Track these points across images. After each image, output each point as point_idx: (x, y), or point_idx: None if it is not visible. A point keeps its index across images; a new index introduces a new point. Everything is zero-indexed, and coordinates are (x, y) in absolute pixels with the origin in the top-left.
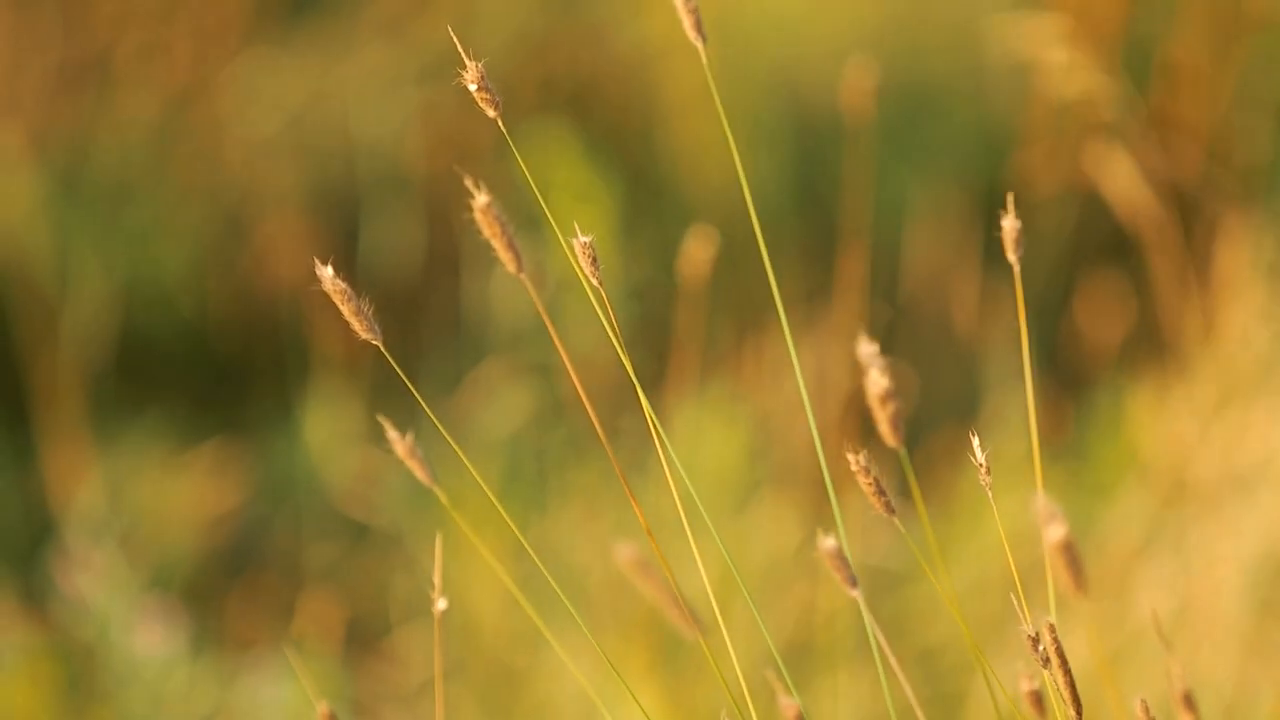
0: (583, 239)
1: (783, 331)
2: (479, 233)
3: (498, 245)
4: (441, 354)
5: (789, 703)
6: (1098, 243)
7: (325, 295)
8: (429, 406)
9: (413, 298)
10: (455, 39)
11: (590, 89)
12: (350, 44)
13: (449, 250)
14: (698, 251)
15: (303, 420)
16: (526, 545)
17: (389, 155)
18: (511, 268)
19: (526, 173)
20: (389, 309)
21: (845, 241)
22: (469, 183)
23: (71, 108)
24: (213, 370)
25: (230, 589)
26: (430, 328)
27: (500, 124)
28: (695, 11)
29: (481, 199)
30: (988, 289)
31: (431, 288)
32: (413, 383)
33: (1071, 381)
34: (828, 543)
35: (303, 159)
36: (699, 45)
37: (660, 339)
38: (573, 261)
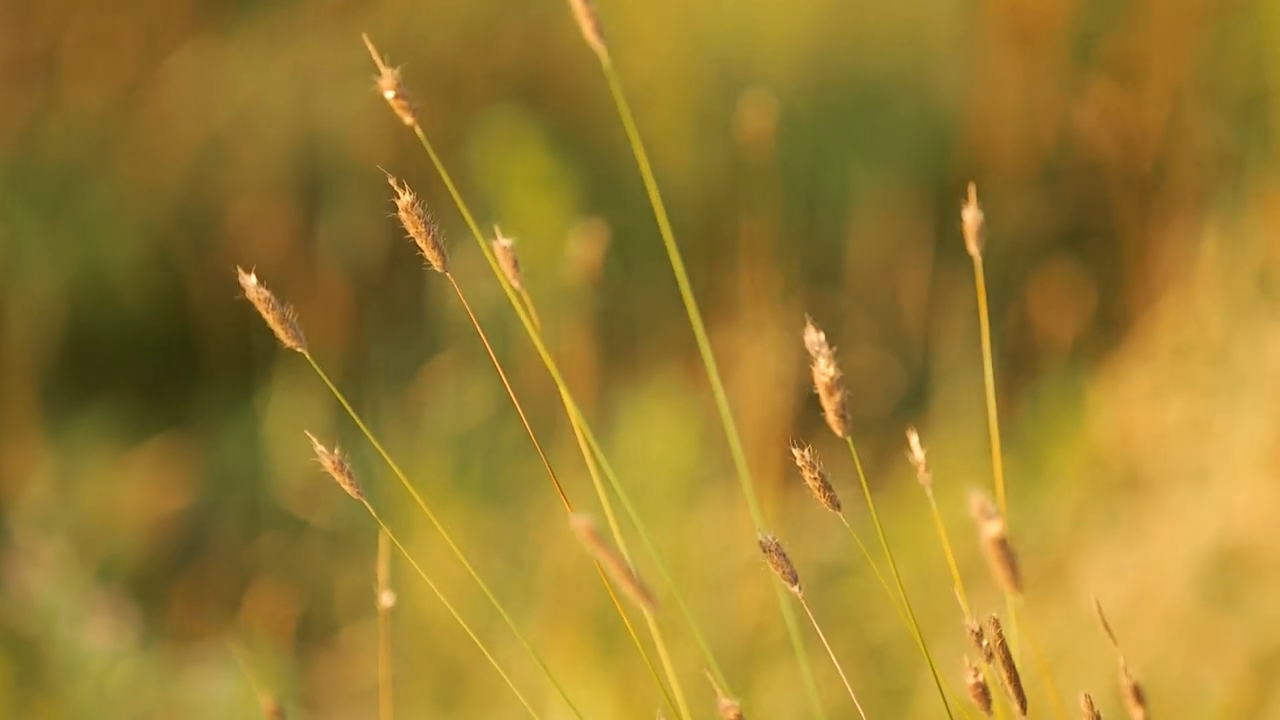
0: (504, 242)
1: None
2: (413, 228)
3: (423, 244)
4: (401, 346)
5: (728, 704)
6: (1049, 231)
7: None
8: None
9: (373, 290)
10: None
11: (540, 80)
12: (296, 35)
13: (409, 242)
14: (585, 249)
15: (256, 412)
16: (455, 547)
17: (342, 146)
18: (438, 266)
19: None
20: (349, 299)
21: (757, 263)
22: (393, 182)
23: (18, 100)
24: (162, 363)
25: (178, 583)
26: (391, 320)
27: (418, 131)
28: (595, 15)
29: (405, 199)
30: (939, 278)
31: (392, 280)
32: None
33: (1023, 370)
34: (767, 539)
35: (252, 151)
36: (600, 49)
37: (620, 330)
38: (493, 265)
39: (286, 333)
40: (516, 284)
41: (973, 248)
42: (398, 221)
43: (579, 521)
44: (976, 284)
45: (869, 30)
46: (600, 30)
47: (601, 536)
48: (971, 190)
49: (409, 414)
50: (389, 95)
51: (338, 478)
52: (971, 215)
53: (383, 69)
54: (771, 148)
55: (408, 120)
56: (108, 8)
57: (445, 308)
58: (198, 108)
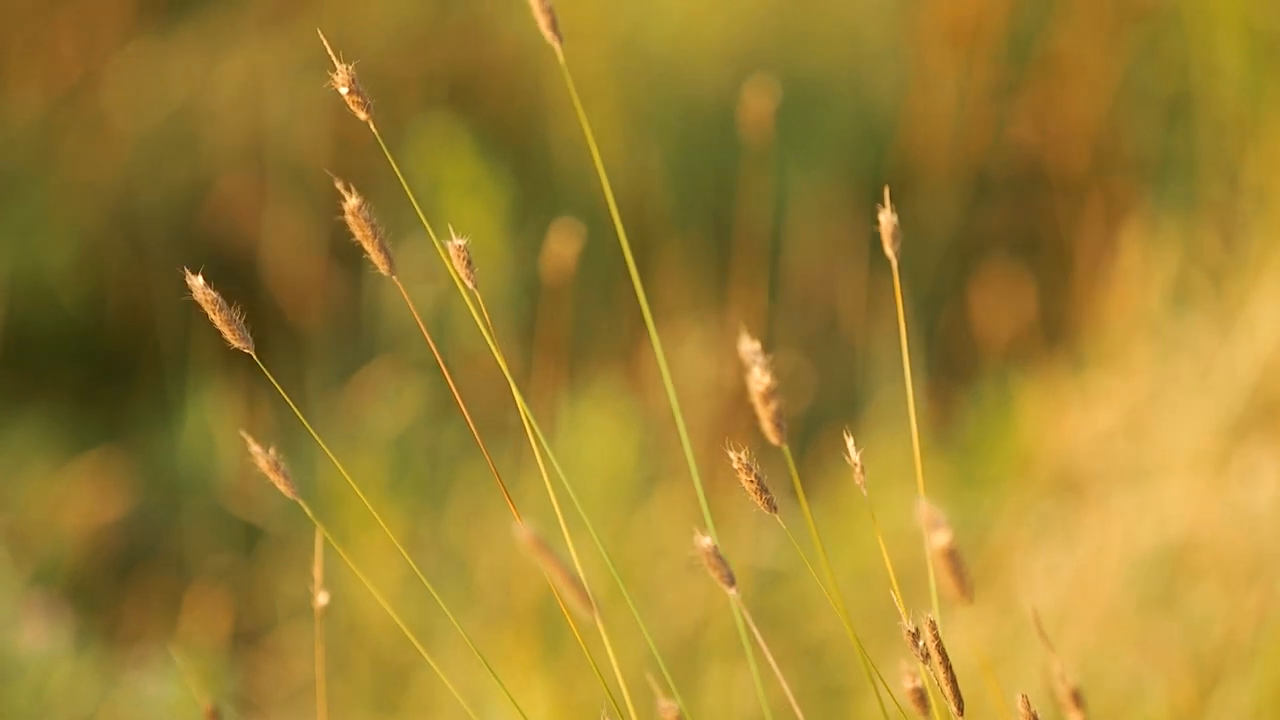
0: (457, 241)
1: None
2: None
3: (369, 247)
4: (337, 349)
5: (668, 705)
6: (984, 233)
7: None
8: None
9: (309, 292)
10: (329, 39)
11: (474, 84)
12: (235, 38)
13: (348, 243)
14: (561, 247)
15: (193, 416)
16: (399, 546)
17: (281, 149)
18: (384, 269)
19: (405, 171)
20: (284, 304)
21: (740, 248)
22: (340, 185)
23: None
24: (98, 365)
25: (116, 586)
26: (329, 322)
27: (372, 127)
28: (550, 11)
29: (352, 202)
30: (875, 281)
31: (328, 282)
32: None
33: (961, 373)
34: (704, 541)
35: (191, 153)
36: (555, 45)
37: (553, 335)
38: (448, 264)
39: (234, 334)
40: (470, 283)
41: (889, 250)
42: (337, 223)
43: (522, 531)
44: (894, 286)
45: (804, 31)
46: (555, 26)
47: (545, 544)
48: (886, 193)
49: (350, 414)
50: (343, 91)
51: (273, 477)
52: (887, 218)
53: (337, 65)
54: (770, 137)
55: (361, 116)
56: (47, 9)
57: (383, 310)
58: (137, 110)
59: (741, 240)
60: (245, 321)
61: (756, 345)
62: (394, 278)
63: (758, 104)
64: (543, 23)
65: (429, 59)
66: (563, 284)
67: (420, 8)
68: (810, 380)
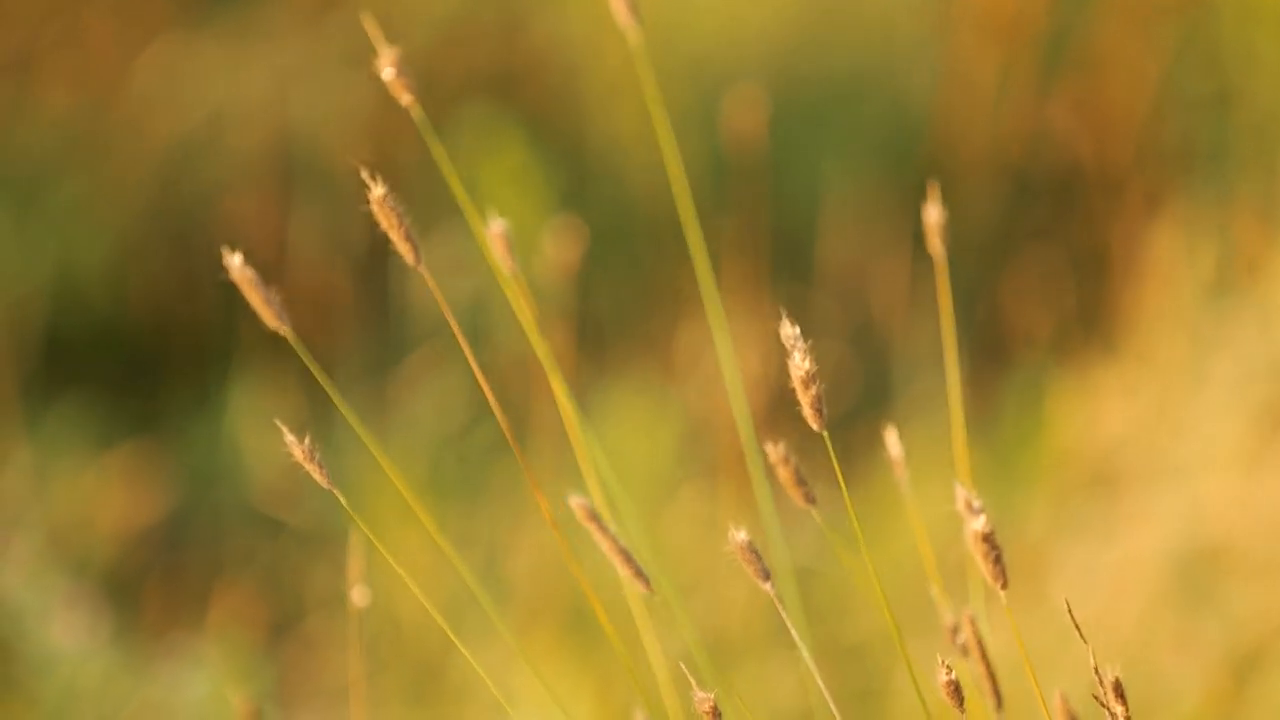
0: (497, 225)
1: (715, 319)
2: (381, 222)
3: (395, 237)
4: (376, 343)
5: (703, 696)
6: (1021, 227)
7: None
8: (361, 394)
9: (349, 286)
10: (373, 27)
11: (511, 77)
12: (270, 32)
13: (380, 241)
14: (561, 247)
15: (228, 410)
16: (441, 541)
17: (317, 143)
18: (410, 260)
19: (442, 160)
20: (323, 297)
21: (778, 241)
22: (365, 174)
23: None
24: (132, 361)
25: (151, 580)
26: (366, 317)
27: (412, 112)
28: None
29: (378, 191)
30: (915, 272)
31: (368, 276)
32: (340, 374)
33: (998, 367)
34: (739, 536)
35: (226, 148)
36: (634, 28)
37: (593, 327)
38: (485, 250)
39: (270, 313)
40: (509, 268)
41: (935, 245)
42: (371, 218)
43: (576, 501)
44: (939, 282)
45: (840, 26)
46: (635, 9)
47: (597, 515)
48: (933, 188)
49: (381, 411)
50: (387, 74)
51: (308, 467)
52: (935, 213)
53: (381, 49)
54: (765, 143)
55: (405, 100)
56: (79, 4)
57: (418, 304)
58: (170, 105)
59: (779, 233)
60: (282, 303)
61: (796, 330)
62: (420, 269)
63: (746, 117)
64: (619, 6)
65: (465, 53)
66: (568, 282)
67: (456, 2)
68: (855, 375)
